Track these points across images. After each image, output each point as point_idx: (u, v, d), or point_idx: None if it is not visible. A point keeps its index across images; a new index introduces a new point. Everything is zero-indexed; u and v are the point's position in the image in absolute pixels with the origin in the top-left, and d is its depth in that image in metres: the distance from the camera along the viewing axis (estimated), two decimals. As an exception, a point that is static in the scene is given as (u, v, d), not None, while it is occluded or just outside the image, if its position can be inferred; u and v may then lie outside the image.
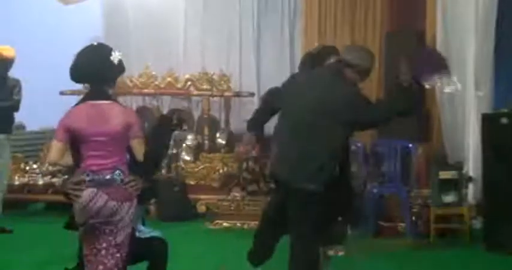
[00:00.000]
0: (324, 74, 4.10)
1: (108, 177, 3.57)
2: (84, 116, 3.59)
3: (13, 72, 7.51)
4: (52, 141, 3.62)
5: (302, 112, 4.03)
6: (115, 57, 3.69)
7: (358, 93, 4.03)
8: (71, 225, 3.71)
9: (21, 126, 10.08)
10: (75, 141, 3.59)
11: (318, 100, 3.96)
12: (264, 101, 4.91)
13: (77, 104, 3.71)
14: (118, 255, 3.61)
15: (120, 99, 8.71)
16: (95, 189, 3.54)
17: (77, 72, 3.69)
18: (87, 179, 3.56)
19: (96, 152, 3.58)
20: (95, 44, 3.81)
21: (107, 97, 3.70)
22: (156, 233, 4.09)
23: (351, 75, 4.01)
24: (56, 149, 3.58)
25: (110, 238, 3.61)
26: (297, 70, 9.76)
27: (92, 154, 3.59)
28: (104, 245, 3.59)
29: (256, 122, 4.64)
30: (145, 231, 4.04)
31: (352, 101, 3.94)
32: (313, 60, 4.58)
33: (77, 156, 3.62)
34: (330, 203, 3.97)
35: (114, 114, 3.64)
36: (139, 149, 3.65)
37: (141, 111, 8.97)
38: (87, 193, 3.54)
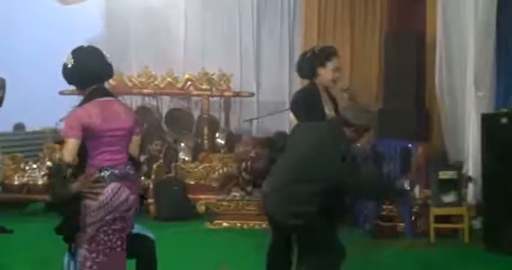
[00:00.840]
0: (322, 130, 4.03)
1: (128, 171, 3.63)
2: (98, 112, 3.59)
3: (13, 72, 7.50)
4: (68, 140, 3.53)
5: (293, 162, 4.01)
6: (108, 57, 3.75)
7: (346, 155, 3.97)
8: (64, 230, 3.62)
9: (21, 126, 10.09)
10: (84, 139, 3.57)
11: (307, 156, 3.92)
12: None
13: (82, 103, 3.69)
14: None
15: (120, 99, 8.71)
16: (118, 184, 3.56)
17: (83, 73, 3.71)
18: (106, 174, 3.56)
19: (111, 147, 3.60)
20: (86, 46, 3.82)
21: (111, 94, 3.78)
22: (142, 231, 4.02)
23: (348, 133, 3.99)
24: (73, 147, 3.52)
25: (123, 235, 3.64)
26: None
27: (107, 150, 3.59)
28: (119, 242, 3.62)
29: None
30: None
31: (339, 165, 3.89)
32: (313, 59, 4.55)
33: (83, 155, 3.60)
34: (327, 223, 3.92)
35: (123, 110, 3.73)
36: (137, 145, 3.74)
37: (141, 111, 8.98)
38: (109, 188, 3.54)
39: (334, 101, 4.64)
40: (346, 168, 3.82)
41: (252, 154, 7.51)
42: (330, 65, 4.51)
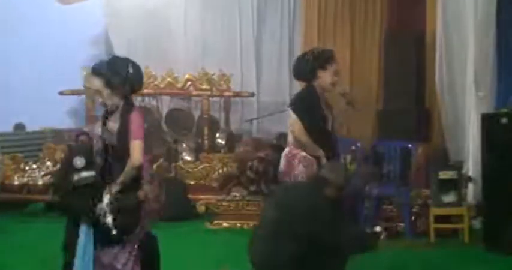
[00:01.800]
0: (305, 194, 3.98)
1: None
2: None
3: (13, 72, 7.50)
4: (138, 142, 3.65)
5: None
6: None
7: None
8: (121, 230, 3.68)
9: (21, 126, 10.08)
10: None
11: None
12: None
13: (127, 109, 3.76)
14: None
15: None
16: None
17: (137, 81, 3.90)
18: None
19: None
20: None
21: None
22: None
23: (330, 193, 3.96)
24: (142, 149, 3.64)
25: None
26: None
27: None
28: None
29: None
30: None
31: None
32: (314, 62, 4.51)
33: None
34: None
35: None
36: None
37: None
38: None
39: (329, 107, 4.62)
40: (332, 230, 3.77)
41: (261, 154, 7.51)
42: (330, 68, 4.50)
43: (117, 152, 3.69)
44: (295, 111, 4.45)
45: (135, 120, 3.70)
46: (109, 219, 3.58)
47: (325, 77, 4.49)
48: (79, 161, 3.61)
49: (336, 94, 4.83)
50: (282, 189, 4.21)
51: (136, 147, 3.64)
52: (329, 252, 3.71)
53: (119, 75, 3.76)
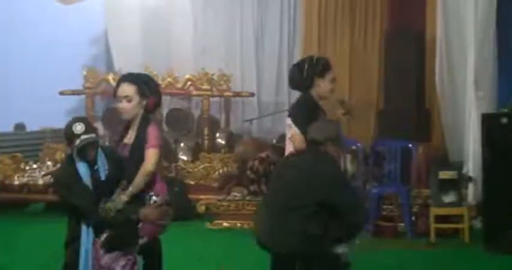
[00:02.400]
0: (306, 160, 3.96)
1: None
2: None
3: (13, 72, 7.50)
4: (154, 150, 3.77)
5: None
6: None
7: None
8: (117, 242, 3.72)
9: (22, 126, 10.08)
10: None
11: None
12: None
13: (147, 122, 3.85)
14: None
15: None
16: None
17: (160, 97, 4.04)
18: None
19: None
20: None
21: None
22: None
23: (330, 150, 3.94)
24: (157, 158, 3.77)
25: None
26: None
27: None
28: None
29: None
30: None
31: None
32: (312, 70, 4.42)
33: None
34: None
35: None
36: None
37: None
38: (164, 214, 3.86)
39: (325, 115, 4.57)
40: (340, 190, 3.76)
41: (262, 155, 7.50)
42: (328, 76, 4.44)
43: (130, 163, 3.77)
44: (296, 123, 4.35)
45: (152, 132, 3.80)
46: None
47: (323, 85, 4.42)
48: (79, 126, 3.60)
49: (333, 101, 4.79)
50: (285, 163, 4.16)
51: (151, 155, 3.75)
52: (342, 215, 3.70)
53: (148, 86, 3.88)
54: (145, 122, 3.86)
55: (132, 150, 3.78)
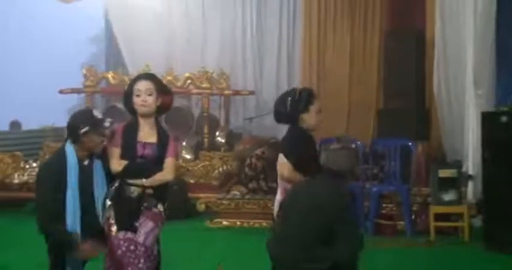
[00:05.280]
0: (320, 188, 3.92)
1: None
2: None
3: (13, 71, 7.51)
4: (173, 160, 3.92)
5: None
6: None
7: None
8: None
9: (17, 124, 10.08)
10: None
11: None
12: None
13: (165, 130, 4.00)
14: None
15: (119, 99, 8.72)
16: None
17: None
18: None
19: None
20: None
21: None
22: None
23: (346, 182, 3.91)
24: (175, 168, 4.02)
25: None
26: (296, 69, 9.81)
27: None
28: None
29: None
30: None
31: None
32: (296, 106, 4.35)
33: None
34: None
35: None
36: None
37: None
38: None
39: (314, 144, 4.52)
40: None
41: (258, 152, 7.51)
42: (313, 108, 4.35)
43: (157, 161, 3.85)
44: (285, 155, 4.29)
45: (173, 141, 3.94)
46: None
47: (308, 119, 4.34)
48: (97, 112, 3.77)
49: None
50: (300, 189, 4.11)
51: (171, 165, 3.89)
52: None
53: (164, 85, 4.04)
54: (159, 124, 3.99)
55: (159, 149, 3.86)
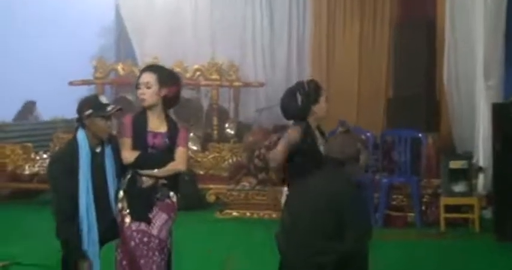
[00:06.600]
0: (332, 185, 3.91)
1: None
2: None
3: (23, 62, 7.54)
4: (185, 150, 3.89)
5: None
6: None
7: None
8: None
9: (32, 104, 10.12)
10: None
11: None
12: None
13: (174, 121, 3.99)
14: None
15: (129, 89, 8.74)
16: None
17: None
18: None
19: None
20: None
21: None
22: None
23: (350, 171, 3.90)
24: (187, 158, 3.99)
25: None
26: (305, 60, 9.79)
27: None
28: None
29: None
30: None
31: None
32: (307, 100, 4.36)
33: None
34: None
35: None
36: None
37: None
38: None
39: (323, 136, 4.53)
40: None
41: (267, 143, 7.50)
42: (322, 99, 4.39)
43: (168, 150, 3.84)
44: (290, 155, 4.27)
45: (183, 131, 3.92)
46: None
47: (318, 110, 4.37)
48: (103, 98, 3.77)
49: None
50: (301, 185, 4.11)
51: (183, 155, 3.87)
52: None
53: (169, 77, 3.93)
54: (168, 115, 3.96)
55: (169, 139, 3.85)
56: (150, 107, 3.85)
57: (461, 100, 7.78)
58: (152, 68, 3.98)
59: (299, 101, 4.31)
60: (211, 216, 7.38)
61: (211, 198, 7.84)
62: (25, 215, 7.42)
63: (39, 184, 8.16)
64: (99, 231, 3.65)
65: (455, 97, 7.85)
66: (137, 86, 3.84)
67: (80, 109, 3.71)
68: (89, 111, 3.65)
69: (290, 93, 4.39)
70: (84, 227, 3.63)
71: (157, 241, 3.74)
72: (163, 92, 3.84)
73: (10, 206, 8.00)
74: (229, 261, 5.52)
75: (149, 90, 3.81)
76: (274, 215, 6.92)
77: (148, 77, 3.83)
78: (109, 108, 3.67)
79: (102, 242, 3.74)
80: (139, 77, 3.90)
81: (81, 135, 3.70)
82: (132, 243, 3.71)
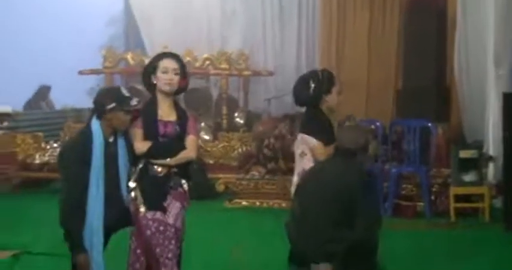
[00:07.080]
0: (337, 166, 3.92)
1: None
2: None
3: (33, 51, 7.56)
4: (195, 138, 3.89)
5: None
6: None
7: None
8: None
9: (46, 88, 10.15)
10: None
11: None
12: None
13: (183, 110, 3.97)
14: None
15: (138, 80, 8.74)
16: None
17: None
18: None
19: None
20: None
21: None
22: None
23: (362, 160, 3.90)
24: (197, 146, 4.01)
25: None
26: (315, 48, 9.76)
27: None
28: None
29: None
30: None
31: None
32: (319, 88, 4.36)
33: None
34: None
35: None
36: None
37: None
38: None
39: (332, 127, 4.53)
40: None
41: (276, 132, 7.50)
42: (335, 90, 4.40)
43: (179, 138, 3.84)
44: (314, 136, 4.30)
45: (192, 119, 3.93)
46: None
47: (331, 100, 4.39)
48: (125, 91, 3.68)
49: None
50: (312, 172, 4.11)
51: (193, 143, 3.86)
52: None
53: (185, 67, 3.93)
54: (177, 103, 3.95)
55: (180, 127, 3.84)
56: (168, 94, 3.83)
57: (472, 89, 7.74)
58: (174, 56, 3.93)
59: (311, 88, 4.33)
60: (221, 205, 7.40)
61: (220, 187, 7.86)
62: (35, 204, 7.46)
63: (50, 173, 8.20)
64: (110, 220, 3.63)
65: (466, 86, 7.81)
66: (163, 71, 3.79)
67: (101, 102, 3.60)
68: (112, 105, 3.57)
69: (303, 81, 4.41)
70: (91, 215, 3.62)
71: (173, 230, 3.74)
72: (182, 82, 3.85)
73: (20, 195, 8.05)
74: (237, 250, 5.53)
75: (177, 77, 3.80)
76: (283, 204, 6.93)
77: (175, 64, 3.82)
78: (133, 102, 3.61)
79: (114, 230, 3.74)
80: (160, 60, 3.83)
81: (95, 125, 3.62)
82: (148, 232, 3.71)
